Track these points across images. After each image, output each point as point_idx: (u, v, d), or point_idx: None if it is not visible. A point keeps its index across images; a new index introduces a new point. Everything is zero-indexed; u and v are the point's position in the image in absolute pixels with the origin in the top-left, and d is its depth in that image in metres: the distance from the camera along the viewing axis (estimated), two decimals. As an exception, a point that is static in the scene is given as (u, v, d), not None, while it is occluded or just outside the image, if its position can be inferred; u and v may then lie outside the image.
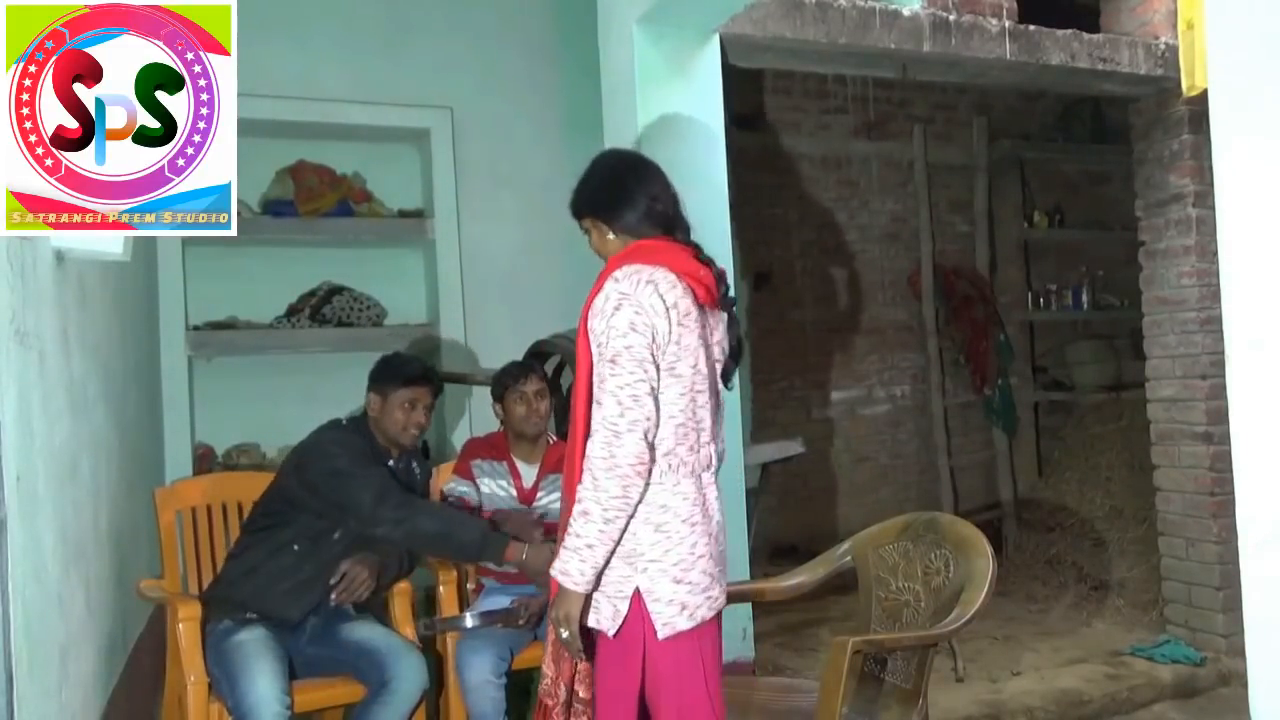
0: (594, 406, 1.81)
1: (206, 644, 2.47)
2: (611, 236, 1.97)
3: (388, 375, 2.75)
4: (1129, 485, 4.84)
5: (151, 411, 3.94)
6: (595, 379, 1.82)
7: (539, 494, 2.94)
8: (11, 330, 1.69)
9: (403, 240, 4.75)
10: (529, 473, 2.96)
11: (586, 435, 1.81)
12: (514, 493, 2.94)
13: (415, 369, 2.80)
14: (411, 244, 4.76)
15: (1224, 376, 1.49)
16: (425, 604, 3.14)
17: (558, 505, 2.85)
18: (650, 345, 1.79)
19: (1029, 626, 4.31)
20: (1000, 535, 5.39)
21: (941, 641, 2.29)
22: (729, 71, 3.21)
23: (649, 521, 1.83)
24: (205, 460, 4.21)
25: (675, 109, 3.10)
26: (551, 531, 2.92)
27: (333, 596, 2.57)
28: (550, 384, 4.05)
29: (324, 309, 4.50)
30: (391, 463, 2.74)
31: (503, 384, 3.00)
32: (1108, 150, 5.54)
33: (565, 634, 1.81)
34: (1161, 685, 3.61)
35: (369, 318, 4.57)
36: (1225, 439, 3.36)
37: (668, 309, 1.82)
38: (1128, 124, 4.13)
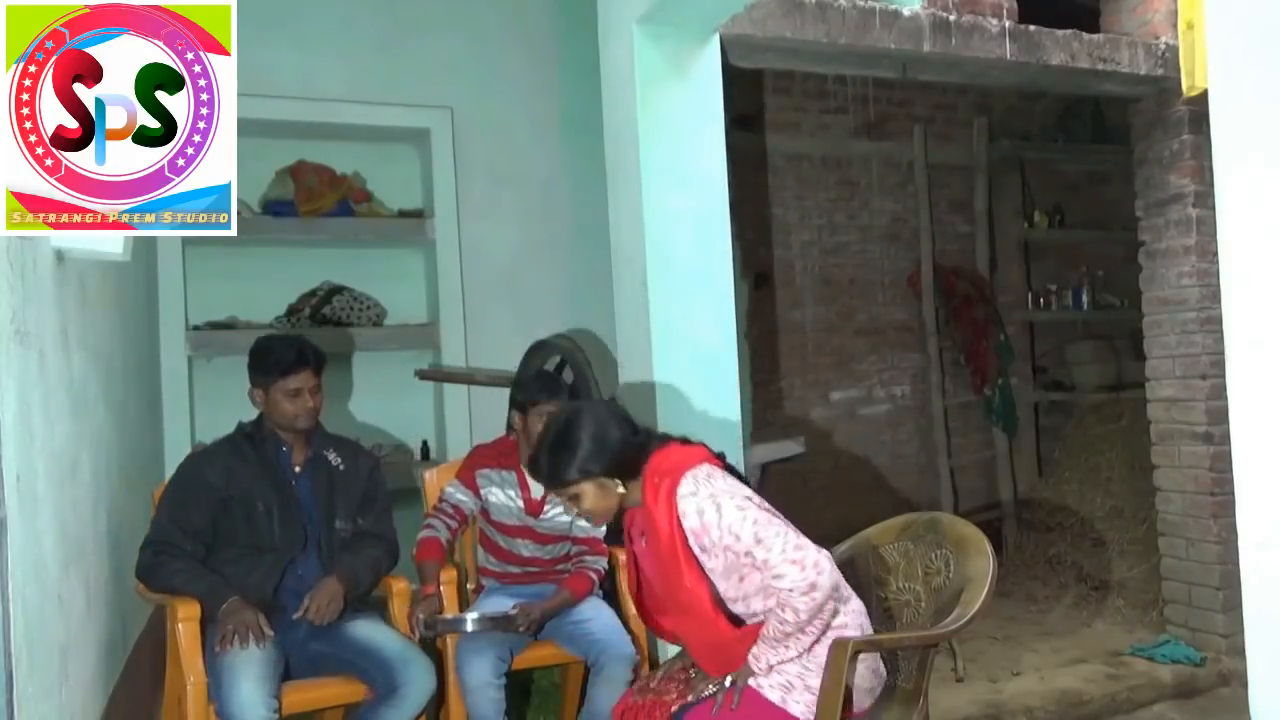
0: (759, 576, 2.00)
1: (206, 644, 2.47)
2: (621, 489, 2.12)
3: (262, 369, 2.64)
4: (1129, 485, 4.84)
5: (151, 411, 3.94)
6: (744, 563, 2.00)
7: (546, 507, 2.90)
8: (12, 330, 1.69)
9: (403, 240, 4.75)
10: (537, 485, 2.94)
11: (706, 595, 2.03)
12: (521, 504, 2.91)
13: (287, 357, 2.64)
14: (411, 244, 4.76)
15: (1224, 376, 1.49)
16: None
17: (565, 518, 2.87)
18: (760, 505, 2.01)
19: (1029, 627, 4.31)
20: (1000, 535, 5.39)
21: (942, 642, 2.29)
22: (729, 71, 3.21)
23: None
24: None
25: (675, 109, 3.09)
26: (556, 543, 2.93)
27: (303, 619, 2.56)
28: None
29: (324, 309, 4.50)
30: (286, 448, 2.68)
31: (530, 398, 2.86)
32: (1108, 150, 5.54)
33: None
34: (1162, 685, 3.61)
35: (369, 318, 4.57)
36: (1225, 439, 3.36)
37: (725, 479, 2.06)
38: (1128, 124, 4.13)
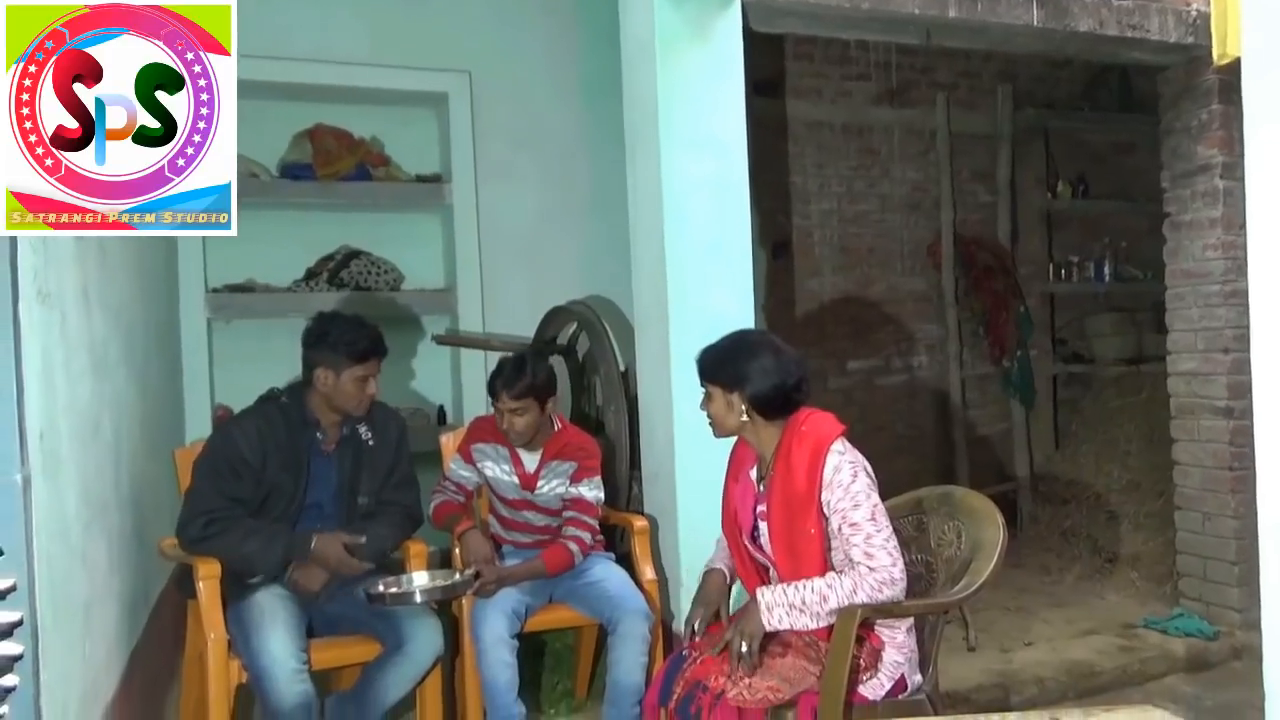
0: (850, 547, 2.10)
1: (226, 602, 2.51)
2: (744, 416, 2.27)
3: (338, 349, 2.57)
4: (1146, 459, 4.81)
5: (171, 373, 3.97)
6: (848, 532, 2.11)
7: (539, 481, 2.93)
8: (34, 290, 1.70)
9: (420, 204, 4.75)
10: (530, 459, 2.94)
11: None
12: (516, 479, 2.94)
13: (365, 344, 2.59)
14: (429, 208, 4.76)
15: (1247, 351, 1.48)
16: (443, 563, 3.17)
17: (560, 490, 2.91)
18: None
19: (1042, 598, 4.32)
20: (1016, 507, 5.38)
21: (951, 610, 2.30)
22: (750, 36, 3.17)
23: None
24: (224, 421, 4.25)
25: (695, 74, 3.06)
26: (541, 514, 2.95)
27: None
28: (566, 350, 4.06)
29: (341, 273, 4.51)
30: (321, 434, 2.63)
31: (491, 388, 2.87)
32: (1134, 120, 5.44)
33: (745, 648, 2.08)
34: (1174, 658, 3.61)
35: (386, 282, 4.58)
36: (1246, 414, 3.33)
37: None
38: (1155, 93, 4.05)
